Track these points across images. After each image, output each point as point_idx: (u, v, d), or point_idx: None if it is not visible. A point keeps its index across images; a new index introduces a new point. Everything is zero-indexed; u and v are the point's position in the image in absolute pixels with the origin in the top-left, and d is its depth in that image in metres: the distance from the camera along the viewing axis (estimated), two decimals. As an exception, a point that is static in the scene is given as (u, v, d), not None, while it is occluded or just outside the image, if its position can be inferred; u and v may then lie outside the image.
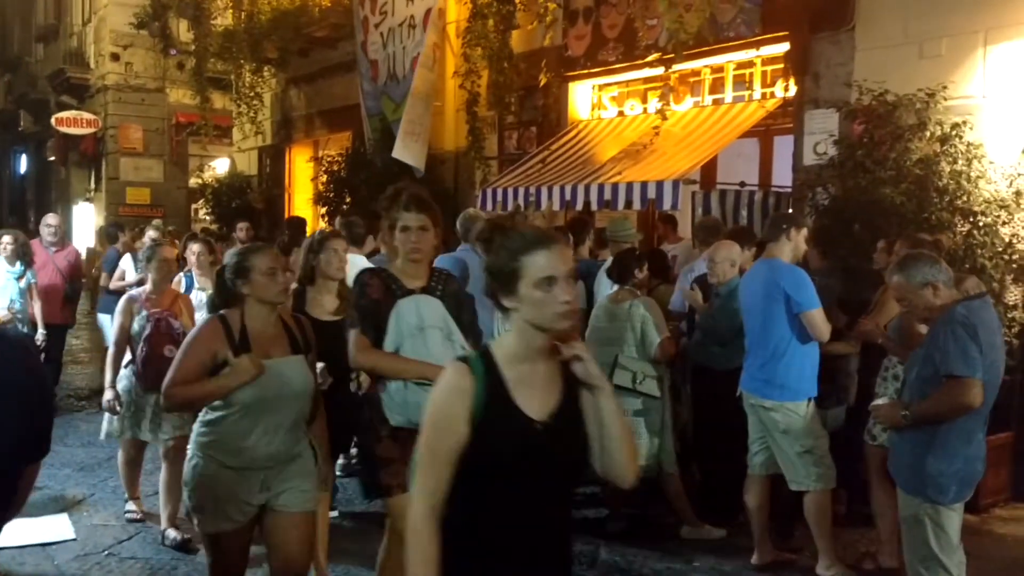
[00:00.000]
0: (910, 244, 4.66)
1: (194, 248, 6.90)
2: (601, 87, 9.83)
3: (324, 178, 11.60)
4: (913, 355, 3.67)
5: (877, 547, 4.82)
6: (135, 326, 5.08)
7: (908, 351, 4.30)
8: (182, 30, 15.69)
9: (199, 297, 6.33)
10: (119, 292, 7.54)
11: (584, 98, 9.95)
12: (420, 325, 3.44)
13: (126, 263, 8.15)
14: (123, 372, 5.20)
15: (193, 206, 19.09)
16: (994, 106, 6.25)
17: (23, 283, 7.60)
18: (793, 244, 4.77)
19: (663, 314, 5.45)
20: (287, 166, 15.13)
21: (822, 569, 4.65)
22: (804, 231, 4.86)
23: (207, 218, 15.45)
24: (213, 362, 3.30)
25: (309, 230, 9.70)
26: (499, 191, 8.94)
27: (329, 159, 11.92)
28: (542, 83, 9.49)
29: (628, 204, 7.58)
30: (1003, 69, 6.23)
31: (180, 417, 5.05)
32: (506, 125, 10.37)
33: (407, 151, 10.23)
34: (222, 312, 3.42)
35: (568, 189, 8.13)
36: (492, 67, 9.66)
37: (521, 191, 8.65)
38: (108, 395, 5.11)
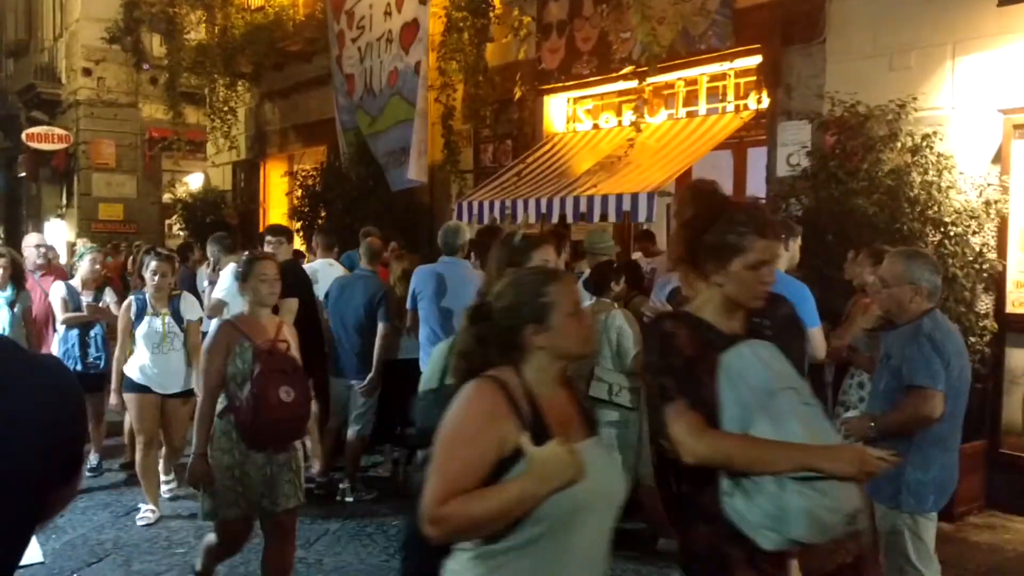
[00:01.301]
0: (872, 254, 4.70)
1: (152, 265, 5.79)
2: (576, 100, 9.86)
3: (299, 193, 11.54)
4: (880, 368, 3.69)
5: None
6: (236, 363, 3.83)
7: (872, 363, 4.33)
8: (155, 45, 15.60)
9: (153, 325, 5.75)
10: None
11: (559, 111, 9.98)
12: (770, 387, 2.23)
13: (58, 291, 6.63)
14: (214, 424, 3.94)
15: (167, 222, 18.94)
16: (962, 117, 6.33)
17: (16, 309, 6.38)
18: (791, 254, 4.79)
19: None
20: (262, 181, 15.04)
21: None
22: (799, 240, 4.87)
23: (181, 234, 15.33)
24: (499, 457, 2.04)
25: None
26: (475, 204, 8.94)
27: (304, 173, 11.87)
28: (517, 96, 9.50)
29: (603, 216, 7.60)
30: (971, 81, 6.31)
31: (293, 482, 3.94)
32: (481, 138, 10.38)
33: (420, 171, 10.08)
34: (492, 373, 2.15)
35: (544, 202, 8.13)
36: (467, 80, 9.66)
37: (497, 204, 8.64)
38: (198, 464, 3.84)
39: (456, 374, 2.23)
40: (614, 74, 8.69)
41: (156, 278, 5.76)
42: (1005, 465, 5.91)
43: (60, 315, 6.60)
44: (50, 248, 7.56)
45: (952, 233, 5.93)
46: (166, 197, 18.36)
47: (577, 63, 9.23)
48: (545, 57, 9.56)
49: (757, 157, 8.04)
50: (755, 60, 7.82)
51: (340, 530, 5.63)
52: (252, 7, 13.36)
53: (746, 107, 8.12)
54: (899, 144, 6.20)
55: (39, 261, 7.33)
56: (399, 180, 10.38)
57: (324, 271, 7.11)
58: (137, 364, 5.78)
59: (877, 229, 5.77)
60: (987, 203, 5.99)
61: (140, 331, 5.74)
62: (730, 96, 8.33)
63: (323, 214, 10.90)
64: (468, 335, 2.24)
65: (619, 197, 7.42)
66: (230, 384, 3.84)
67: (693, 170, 8.44)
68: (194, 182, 17.67)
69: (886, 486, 3.47)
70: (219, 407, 3.94)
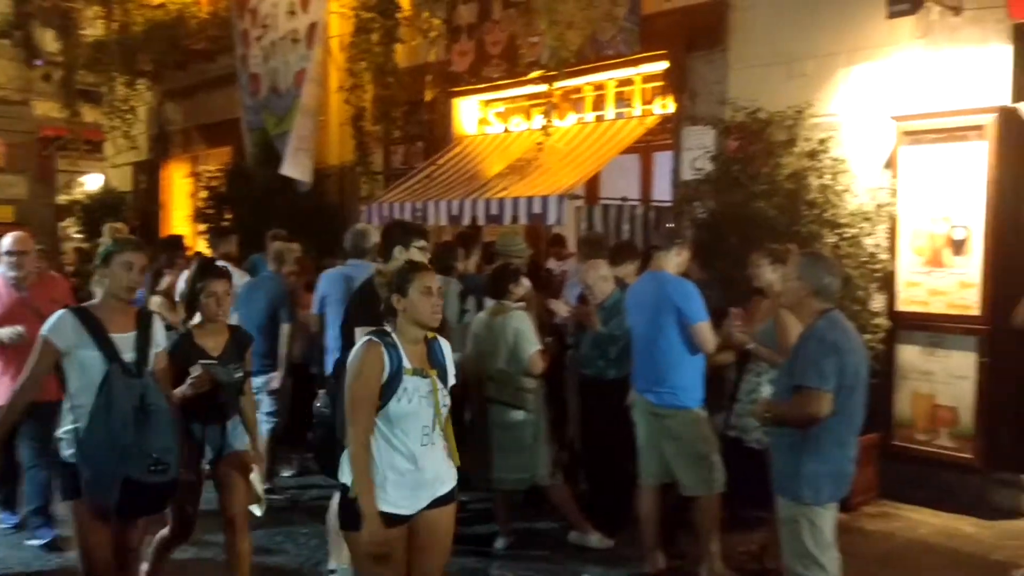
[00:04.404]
0: (767, 254, 4.88)
1: (424, 282, 3.29)
2: (486, 103, 9.90)
3: (204, 194, 11.27)
4: (783, 368, 3.83)
5: (761, 548, 4.98)
6: None
7: (777, 355, 4.48)
8: (49, 40, 14.97)
9: (419, 392, 3.24)
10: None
11: (470, 113, 10.00)
12: None
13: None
14: None
15: (61, 224, 18.20)
16: (856, 123, 6.60)
17: None
18: (681, 259, 4.96)
19: (553, 328, 5.51)
20: (164, 182, 14.65)
21: (706, 573, 4.76)
22: (686, 254, 5.04)
23: (78, 236, 14.76)
24: None
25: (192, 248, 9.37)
26: (385, 206, 8.88)
27: (208, 175, 11.60)
28: (427, 98, 9.48)
29: (514, 219, 7.65)
30: (863, 89, 6.58)
31: None
32: (392, 140, 10.32)
33: (298, 168, 10.10)
34: None
35: (455, 204, 8.13)
36: (377, 81, 9.61)
37: (408, 206, 8.60)
38: None
39: None
40: (523, 78, 8.75)
41: (435, 304, 3.30)
42: (897, 456, 6.18)
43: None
44: (29, 254, 5.39)
45: (847, 235, 6.19)
46: (62, 198, 17.65)
47: (487, 66, 9.26)
48: (455, 60, 9.56)
49: (663, 161, 8.22)
50: (661, 66, 7.98)
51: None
52: (153, 3, 12.98)
53: (652, 112, 8.29)
54: (797, 149, 6.42)
55: (16, 273, 5.29)
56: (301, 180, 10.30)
57: None
58: (378, 467, 3.22)
59: (777, 231, 5.95)
60: (879, 206, 6.27)
61: (395, 407, 3.21)
62: (637, 101, 8.49)
63: (229, 216, 10.66)
64: None
65: (529, 200, 7.48)
66: None
67: (602, 173, 8.59)
68: (92, 183, 17.03)
69: (786, 479, 3.60)
70: None
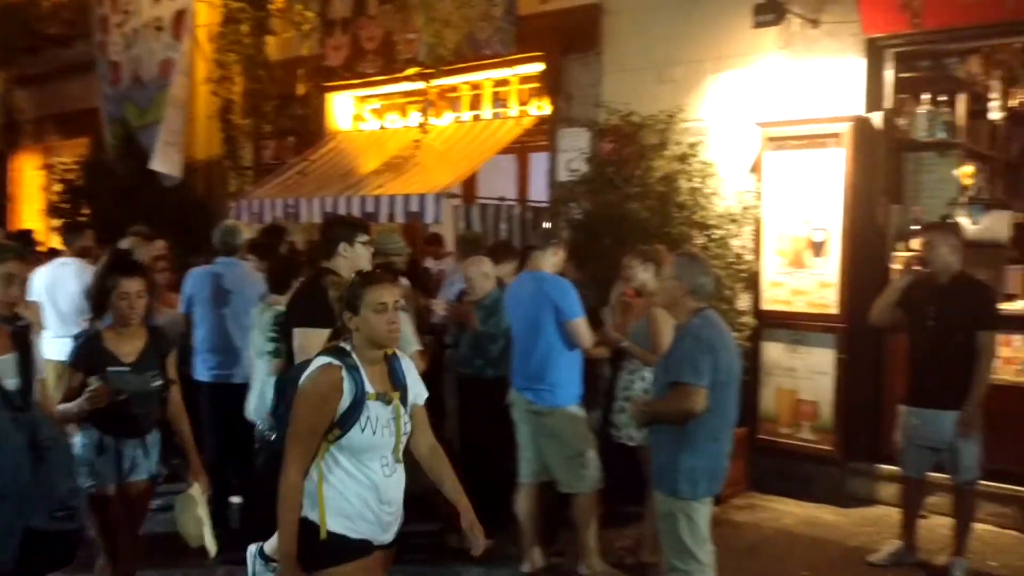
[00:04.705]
0: (639, 255, 5.00)
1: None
2: (361, 99, 9.74)
3: (58, 187, 10.65)
4: (658, 365, 3.92)
5: (637, 543, 5.08)
6: None
7: (650, 354, 4.59)
8: None
9: (380, 420, 2.95)
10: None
11: (344, 109, 9.81)
12: None
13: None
14: None
15: None
16: (723, 129, 6.83)
17: None
18: (557, 259, 5.04)
19: (431, 327, 5.45)
20: (12, 174, 13.81)
21: (585, 569, 4.83)
22: (562, 254, 5.09)
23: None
24: None
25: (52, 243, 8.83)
26: (256, 202, 8.61)
27: (63, 167, 10.97)
28: (300, 92, 9.26)
29: (391, 217, 7.55)
30: (729, 95, 6.82)
31: None
32: (262, 134, 10.02)
33: (167, 162, 9.73)
34: None
35: (329, 201, 7.96)
36: (247, 74, 9.32)
37: (280, 203, 8.37)
38: None
39: None
40: (399, 74, 8.65)
41: (390, 320, 2.95)
42: (762, 450, 6.44)
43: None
44: None
45: (715, 236, 6.40)
46: None
47: (362, 62, 9.10)
48: (329, 54, 9.35)
49: (539, 162, 8.29)
50: (537, 68, 8.04)
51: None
52: (1, -18, 12.19)
53: (527, 113, 8.35)
54: (668, 152, 6.59)
55: None
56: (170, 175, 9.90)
57: (57, 272, 6.44)
58: (347, 499, 2.93)
59: (649, 232, 6.08)
60: (745, 208, 6.51)
61: (358, 436, 2.90)
62: (513, 102, 8.52)
63: (85, 211, 10.12)
64: None
65: (406, 198, 7.40)
66: None
67: (479, 173, 8.59)
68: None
69: (664, 475, 3.68)
70: None
